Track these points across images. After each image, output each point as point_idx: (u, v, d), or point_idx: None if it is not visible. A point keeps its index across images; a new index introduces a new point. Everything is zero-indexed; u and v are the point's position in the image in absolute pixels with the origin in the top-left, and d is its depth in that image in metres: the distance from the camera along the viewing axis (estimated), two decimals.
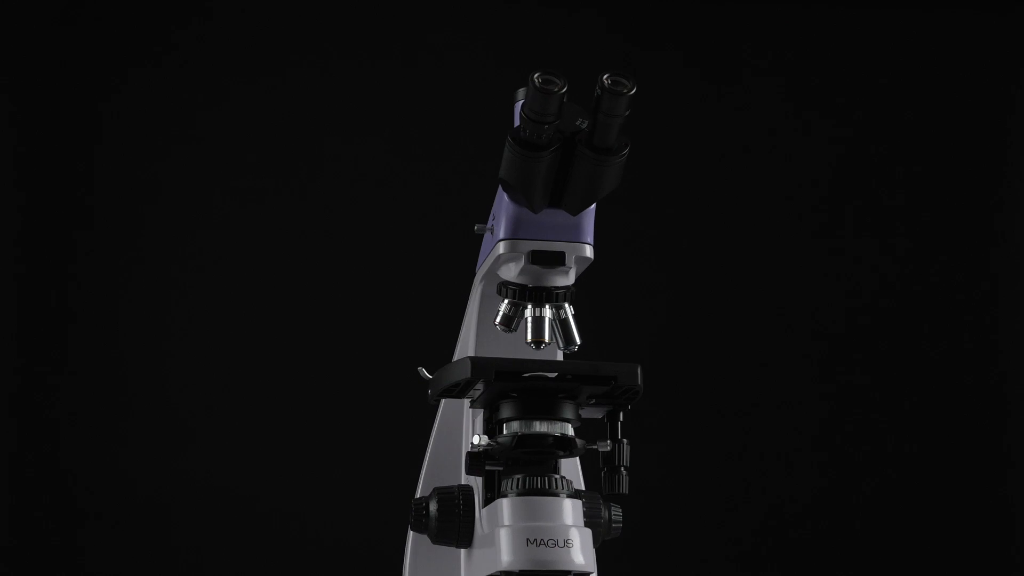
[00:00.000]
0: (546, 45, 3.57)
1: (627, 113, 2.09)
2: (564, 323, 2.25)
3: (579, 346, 2.26)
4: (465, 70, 3.53)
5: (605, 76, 2.07)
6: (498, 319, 2.26)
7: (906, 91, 3.56)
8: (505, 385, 2.16)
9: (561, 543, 2.09)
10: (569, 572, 2.10)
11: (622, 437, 2.21)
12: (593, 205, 2.19)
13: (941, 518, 3.48)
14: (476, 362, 2.15)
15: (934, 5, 3.56)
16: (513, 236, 2.20)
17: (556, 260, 2.20)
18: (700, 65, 3.59)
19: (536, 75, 2.06)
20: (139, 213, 3.59)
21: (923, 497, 3.49)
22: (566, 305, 2.25)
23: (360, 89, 3.59)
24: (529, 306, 2.24)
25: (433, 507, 2.21)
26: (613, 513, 2.25)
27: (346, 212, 3.57)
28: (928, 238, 3.54)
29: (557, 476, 2.16)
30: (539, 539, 2.09)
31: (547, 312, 2.24)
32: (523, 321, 2.25)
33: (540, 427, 2.16)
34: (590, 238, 2.22)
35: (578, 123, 2.13)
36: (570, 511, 2.14)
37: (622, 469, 2.19)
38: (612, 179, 2.15)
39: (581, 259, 2.22)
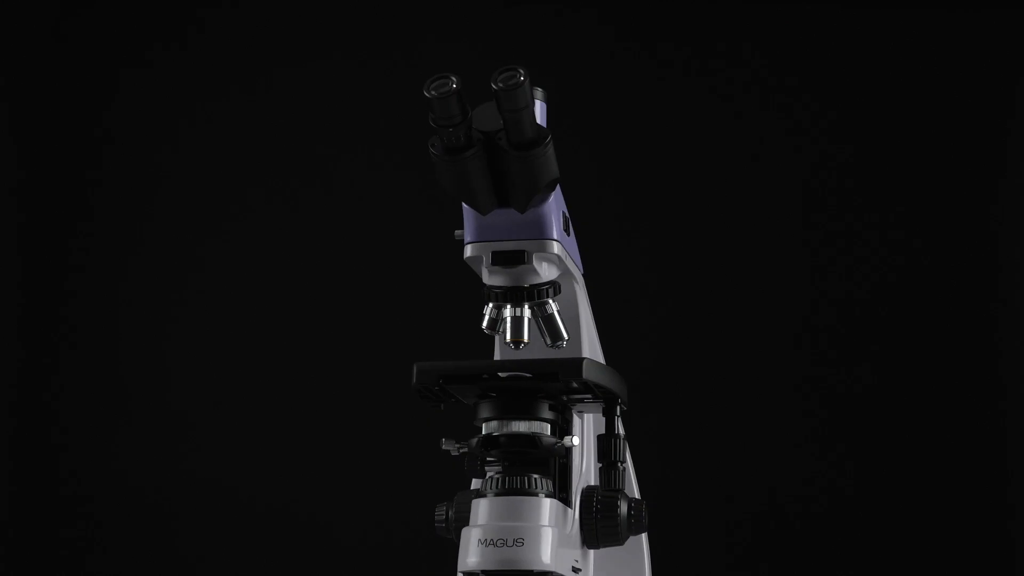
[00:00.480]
0: (545, 45, 3.57)
1: (528, 106, 2.05)
2: (549, 319, 2.24)
3: (567, 341, 2.25)
4: (467, 70, 3.54)
5: (495, 74, 2.03)
6: (484, 324, 2.25)
7: (906, 91, 3.56)
8: (455, 388, 2.17)
9: (510, 542, 2.09)
10: (531, 571, 2.09)
11: (618, 432, 2.20)
12: (552, 199, 2.17)
13: (941, 518, 3.48)
14: (421, 368, 2.16)
15: (934, 5, 3.56)
16: (473, 240, 2.19)
17: (515, 259, 2.18)
18: (699, 65, 3.59)
19: (426, 83, 2.03)
20: (139, 215, 3.60)
21: (923, 497, 3.49)
22: (550, 301, 2.23)
23: (360, 90, 3.60)
24: (508, 306, 2.23)
25: (452, 513, 2.22)
26: (632, 509, 2.22)
27: (347, 212, 3.58)
28: (928, 238, 3.54)
29: (535, 476, 2.15)
30: (488, 539, 2.10)
31: (526, 311, 2.22)
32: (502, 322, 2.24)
33: (494, 427, 2.17)
34: (551, 232, 2.18)
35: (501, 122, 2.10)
36: (528, 510, 2.12)
37: (619, 464, 2.19)
38: (546, 171, 2.12)
39: (546, 255, 2.19)
